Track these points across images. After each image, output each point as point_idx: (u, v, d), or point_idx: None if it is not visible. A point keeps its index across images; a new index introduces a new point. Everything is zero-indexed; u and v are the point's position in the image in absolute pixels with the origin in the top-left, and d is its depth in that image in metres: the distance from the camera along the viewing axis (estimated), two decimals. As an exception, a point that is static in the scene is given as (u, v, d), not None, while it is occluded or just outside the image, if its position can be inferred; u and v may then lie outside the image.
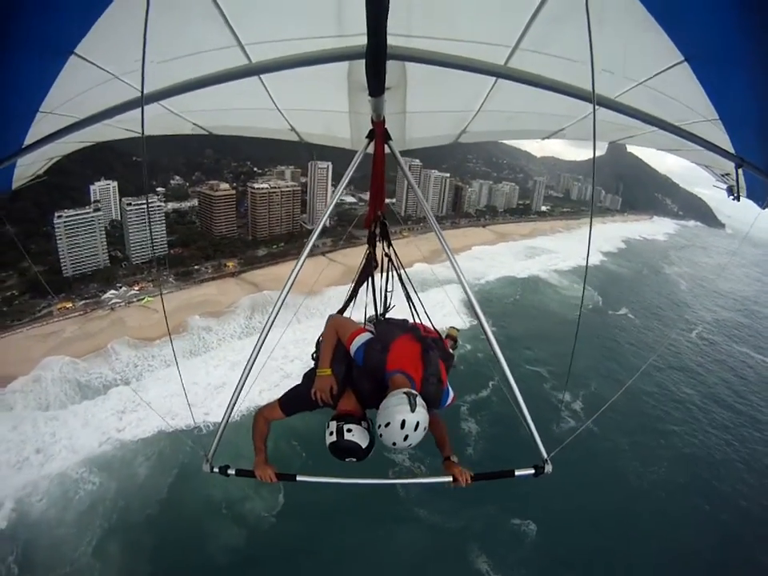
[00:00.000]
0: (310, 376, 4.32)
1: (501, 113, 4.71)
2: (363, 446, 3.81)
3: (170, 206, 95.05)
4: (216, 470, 4.23)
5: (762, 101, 2.84)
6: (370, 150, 4.08)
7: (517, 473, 4.24)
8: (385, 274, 5.75)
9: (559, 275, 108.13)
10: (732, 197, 4.82)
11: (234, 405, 4.16)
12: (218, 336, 68.50)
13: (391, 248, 5.64)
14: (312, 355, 5.10)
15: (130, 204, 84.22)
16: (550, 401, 58.53)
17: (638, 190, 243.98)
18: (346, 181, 4.22)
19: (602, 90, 3.17)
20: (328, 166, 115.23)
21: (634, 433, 56.08)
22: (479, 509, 43.56)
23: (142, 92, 2.32)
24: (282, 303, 4.05)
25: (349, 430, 3.75)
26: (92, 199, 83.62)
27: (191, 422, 46.84)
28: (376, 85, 2.64)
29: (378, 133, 3.85)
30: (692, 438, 60.12)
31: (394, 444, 3.57)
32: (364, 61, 2.37)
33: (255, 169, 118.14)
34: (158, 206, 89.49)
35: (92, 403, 53.90)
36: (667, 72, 2.89)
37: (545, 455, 4.22)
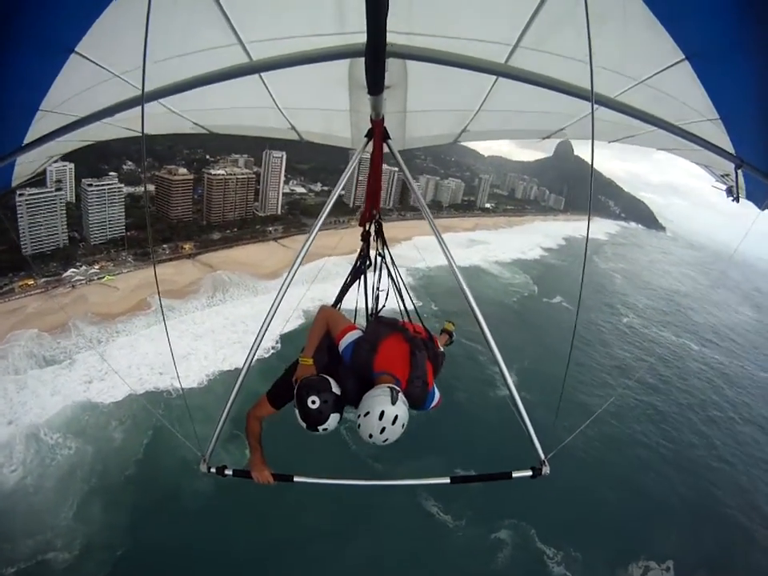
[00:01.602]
0: (292, 367, 4.45)
1: (501, 112, 4.86)
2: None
3: (125, 190, 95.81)
4: (213, 470, 4.33)
5: (762, 101, 2.93)
6: (369, 148, 4.23)
7: (514, 474, 4.36)
8: (377, 273, 5.92)
9: (500, 266, 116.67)
10: (731, 197, 5.03)
11: (231, 405, 4.27)
12: (181, 312, 71.61)
13: (385, 247, 5.83)
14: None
15: (90, 185, 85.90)
16: (485, 372, 65.38)
17: (582, 192, 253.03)
18: (346, 177, 4.55)
19: (603, 89, 3.34)
20: (282, 156, 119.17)
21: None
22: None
23: (143, 90, 2.40)
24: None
25: (313, 402, 3.76)
26: (49, 179, 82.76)
27: (160, 387, 53.40)
28: (375, 83, 2.81)
29: (377, 132, 3.95)
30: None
31: (370, 436, 3.70)
32: (364, 59, 2.53)
33: (208, 156, 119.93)
34: (119, 188, 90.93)
35: (60, 373, 56.11)
36: (668, 71, 2.97)
37: (542, 456, 4.32)
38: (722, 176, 5.19)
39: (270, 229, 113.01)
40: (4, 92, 2.81)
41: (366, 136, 4.08)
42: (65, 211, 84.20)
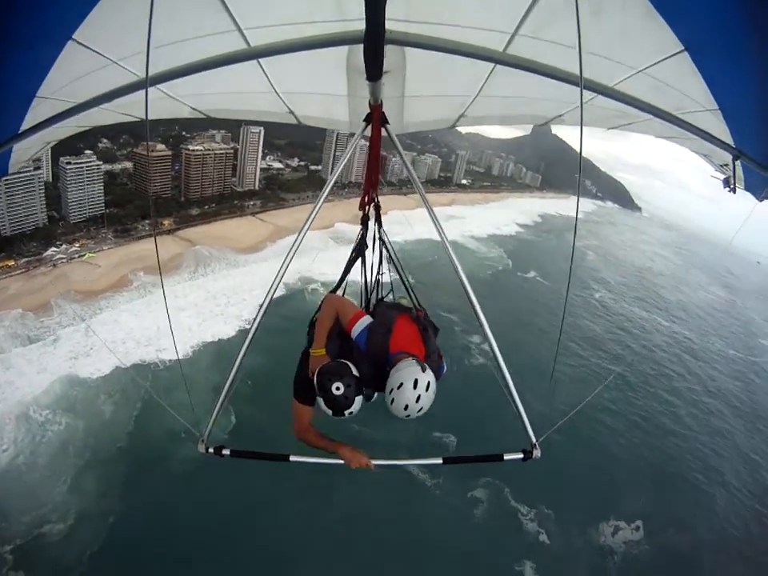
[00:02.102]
0: (304, 362, 4.48)
1: (499, 98, 4.90)
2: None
3: (102, 167, 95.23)
4: (211, 450, 4.44)
5: (761, 93, 2.91)
6: (368, 132, 4.26)
7: (506, 457, 4.49)
8: (378, 258, 6.26)
9: (476, 241, 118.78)
10: (728, 188, 4.92)
11: (230, 386, 4.43)
12: (166, 287, 74.86)
13: (382, 231, 6.18)
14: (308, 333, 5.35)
15: (69, 163, 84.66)
16: (460, 341, 70.25)
17: (558, 170, 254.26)
18: (345, 160, 4.86)
19: (601, 77, 3.42)
20: (260, 131, 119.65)
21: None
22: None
23: (147, 76, 2.49)
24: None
25: (337, 388, 3.77)
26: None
27: (146, 359, 54.31)
28: (374, 69, 2.81)
29: (375, 117, 3.95)
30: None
31: (406, 408, 3.74)
32: (363, 45, 2.53)
33: (184, 133, 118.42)
34: (97, 166, 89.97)
35: (45, 351, 56.48)
36: (667, 61, 2.98)
37: (534, 440, 4.46)
38: (721, 166, 5.24)
39: (248, 204, 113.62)
40: (1, 79, 2.85)
41: (364, 120, 4.16)
42: (43, 191, 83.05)
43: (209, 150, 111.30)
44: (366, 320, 4.37)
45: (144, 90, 2.66)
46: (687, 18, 2.52)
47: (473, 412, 53.17)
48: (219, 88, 4.84)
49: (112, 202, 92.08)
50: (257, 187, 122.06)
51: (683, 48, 2.74)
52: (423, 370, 3.76)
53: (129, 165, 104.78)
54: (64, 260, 76.48)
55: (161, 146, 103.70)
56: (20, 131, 3.81)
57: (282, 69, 4.09)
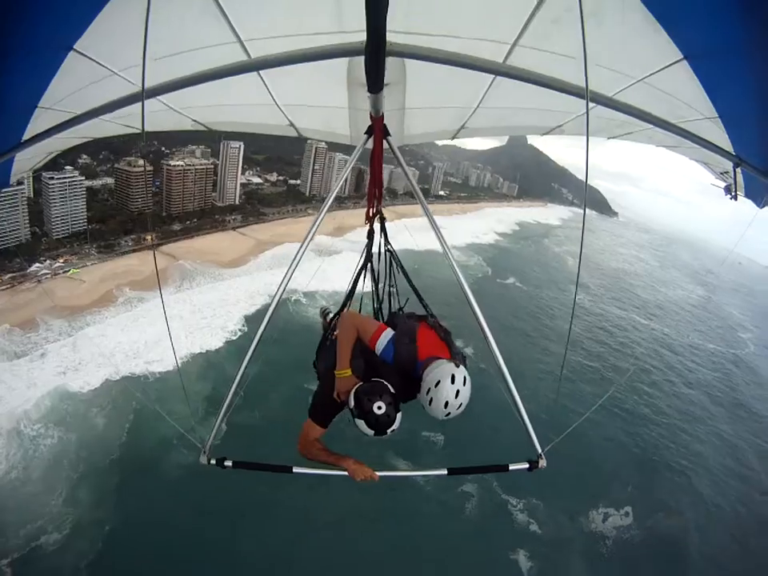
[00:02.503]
0: (325, 385, 4.40)
1: (500, 109, 5.01)
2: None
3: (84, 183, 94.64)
4: (213, 461, 4.38)
5: (760, 100, 2.93)
6: (369, 145, 4.21)
7: (511, 467, 4.45)
8: (383, 269, 6.14)
9: (455, 249, 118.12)
10: (729, 196, 4.99)
11: (232, 398, 4.40)
12: (150, 300, 71.89)
13: (389, 244, 6.02)
14: (313, 364, 5.46)
15: (52, 178, 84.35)
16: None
17: (535, 179, 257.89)
18: (347, 172, 4.83)
19: (601, 87, 3.45)
20: (240, 146, 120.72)
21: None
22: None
23: (143, 88, 2.47)
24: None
25: (379, 408, 3.77)
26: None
27: (136, 372, 54.28)
28: (375, 81, 2.84)
29: (377, 129, 3.98)
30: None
31: (446, 405, 3.77)
32: (363, 57, 2.53)
33: (164, 148, 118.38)
34: (80, 181, 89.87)
35: (33, 366, 55.67)
36: (666, 69, 3.03)
37: (539, 450, 4.43)
38: (721, 173, 5.23)
39: (229, 218, 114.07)
40: (2, 89, 2.84)
41: (365, 133, 4.15)
42: (26, 206, 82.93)
43: (189, 165, 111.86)
44: (389, 333, 4.32)
45: (146, 101, 2.69)
46: (686, 27, 2.59)
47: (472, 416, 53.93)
48: (220, 100, 4.94)
49: (94, 217, 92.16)
50: (237, 202, 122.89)
51: (682, 57, 2.82)
52: (457, 366, 3.84)
53: (110, 180, 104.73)
54: (48, 276, 76.22)
55: (141, 162, 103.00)
56: (22, 141, 3.86)
57: (282, 81, 4.18)
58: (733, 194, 4.94)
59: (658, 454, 62.94)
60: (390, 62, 2.69)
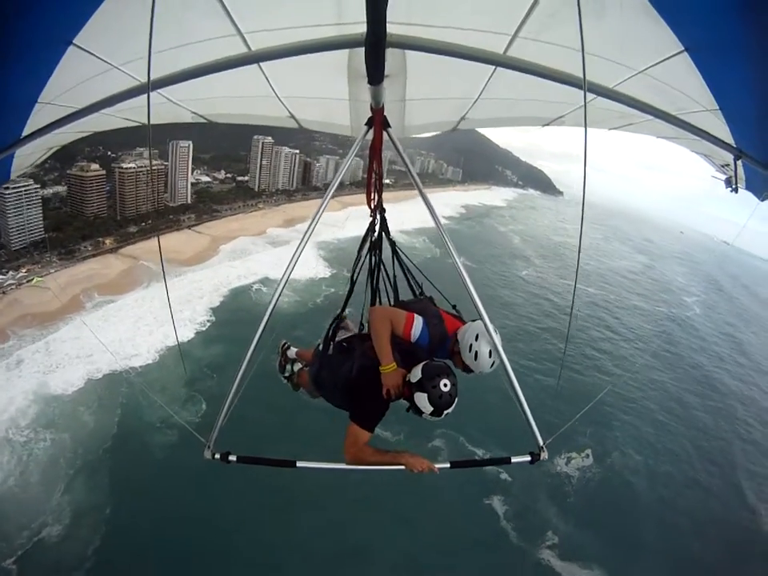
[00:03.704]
0: (369, 387, 4.38)
1: (500, 100, 4.97)
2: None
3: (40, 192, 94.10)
4: (217, 456, 4.47)
5: (761, 93, 2.99)
6: (369, 136, 4.29)
7: (513, 459, 4.74)
8: (378, 262, 6.19)
9: (403, 234, 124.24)
10: (730, 188, 5.10)
11: (235, 393, 4.46)
12: (118, 302, 74.84)
13: (388, 237, 6.12)
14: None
15: (7, 188, 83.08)
16: None
17: (479, 163, 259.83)
18: (348, 164, 4.70)
19: (601, 78, 3.46)
20: (189, 145, 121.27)
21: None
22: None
23: (149, 81, 2.52)
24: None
25: (445, 385, 3.98)
26: (-47, 186, 77.25)
27: (117, 369, 56.34)
28: (375, 73, 2.85)
29: (377, 120, 4.04)
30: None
31: (490, 354, 4.25)
32: (363, 49, 2.55)
33: (110, 153, 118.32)
34: (35, 190, 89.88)
35: (11, 375, 56.67)
36: (667, 61, 3.04)
37: (541, 442, 4.66)
38: (722, 166, 5.24)
39: (183, 218, 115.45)
40: (2, 84, 2.87)
41: (366, 124, 4.20)
42: None
43: (141, 166, 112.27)
44: (420, 319, 4.58)
45: (146, 95, 2.77)
46: (687, 19, 2.60)
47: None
48: (221, 92, 5.00)
49: (50, 226, 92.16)
50: (189, 201, 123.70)
51: (683, 48, 2.82)
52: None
53: (60, 189, 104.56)
54: (13, 286, 76.41)
55: (94, 166, 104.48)
56: (22, 136, 3.88)
57: (282, 73, 4.17)
58: (733, 186, 5.05)
59: (608, 403, 69.05)
60: (391, 54, 2.71)
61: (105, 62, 3.32)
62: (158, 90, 4.05)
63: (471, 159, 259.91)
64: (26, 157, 5.72)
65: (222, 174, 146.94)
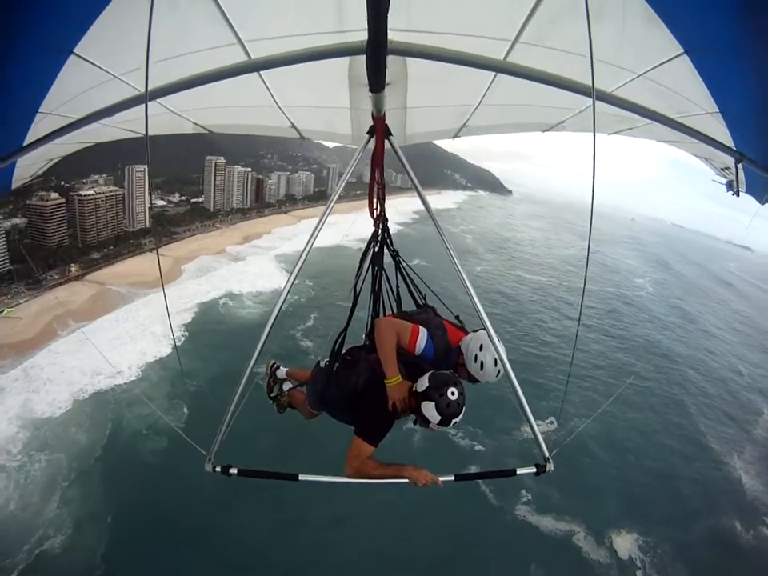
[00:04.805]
0: (373, 403, 4.37)
1: (501, 106, 5.01)
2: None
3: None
4: (218, 469, 4.45)
5: (761, 97, 2.98)
6: (371, 145, 4.32)
7: (518, 471, 4.68)
8: (395, 271, 6.17)
9: (359, 242, 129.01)
10: (731, 191, 5.14)
11: (235, 407, 4.46)
12: (92, 325, 76.33)
13: (388, 247, 6.09)
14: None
15: None
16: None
17: (428, 168, 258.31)
18: (347, 177, 4.67)
19: (601, 82, 3.36)
20: (144, 169, 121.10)
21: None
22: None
23: (146, 90, 2.51)
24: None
25: (452, 393, 4.00)
26: None
27: (102, 387, 58.45)
28: (376, 80, 2.86)
29: (379, 128, 4.05)
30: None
31: (496, 363, 4.34)
32: (364, 56, 2.55)
33: (63, 183, 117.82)
34: None
35: None
36: (667, 64, 3.05)
37: (546, 454, 4.61)
38: (722, 169, 5.24)
39: (144, 241, 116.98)
40: (3, 94, 2.86)
41: (367, 133, 4.20)
42: None
43: (100, 193, 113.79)
44: (424, 331, 4.64)
45: (144, 105, 2.73)
46: (687, 22, 2.61)
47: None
48: (221, 102, 5.01)
49: (14, 258, 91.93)
50: (147, 225, 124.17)
51: (683, 51, 2.83)
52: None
53: (18, 221, 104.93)
54: None
55: (54, 195, 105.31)
56: (23, 146, 3.89)
57: (283, 82, 4.19)
58: (734, 190, 5.10)
59: (563, 373, 76.16)
60: (392, 61, 2.73)
61: (105, 71, 3.36)
62: (158, 100, 4.13)
63: (420, 165, 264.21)
64: (26, 168, 5.77)
65: (176, 197, 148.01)
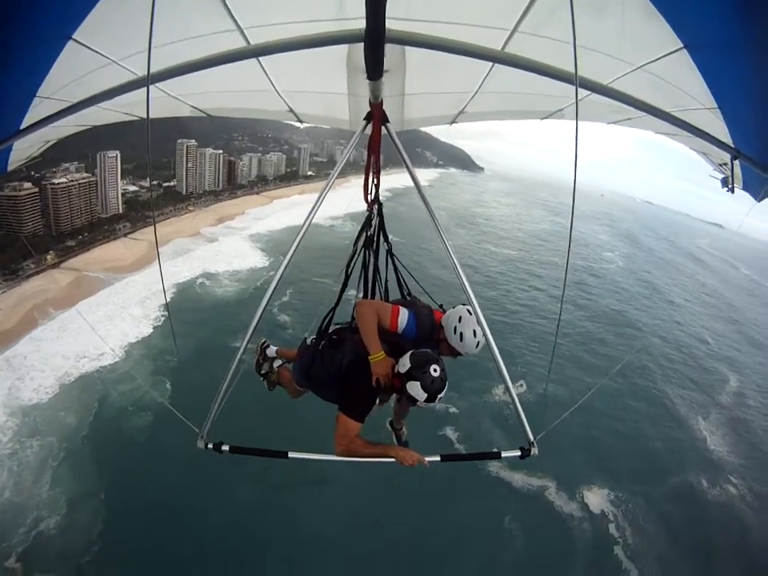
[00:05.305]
0: (358, 378, 4.56)
1: (499, 94, 5.06)
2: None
3: None
4: (210, 446, 4.59)
5: (760, 93, 2.99)
6: (368, 131, 4.49)
7: (503, 454, 4.78)
8: (382, 257, 6.28)
9: (333, 220, 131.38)
10: (727, 188, 5.10)
11: (228, 384, 4.59)
12: (71, 311, 76.36)
13: (382, 231, 6.19)
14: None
15: None
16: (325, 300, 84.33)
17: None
18: (344, 160, 4.88)
19: (599, 73, 3.49)
20: (117, 155, 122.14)
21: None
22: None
23: (148, 74, 2.57)
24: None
25: (435, 370, 4.21)
26: None
27: (88, 370, 59.54)
28: (374, 68, 2.92)
29: (376, 115, 4.17)
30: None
31: (475, 334, 4.58)
32: (363, 44, 2.60)
33: (33, 173, 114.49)
34: None
35: None
36: (666, 58, 3.07)
37: (531, 437, 4.72)
38: (719, 165, 5.27)
39: (118, 227, 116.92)
40: (1, 78, 2.87)
41: (364, 119, 4.37)
42: None
43: (73, 180, 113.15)
44: (406, 311, 4.84)
45: (144, 88, 2.78)
46: (686, 16, 2.62)
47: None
48: (219, 87, 5.10)
49: None
50: (121, 210, 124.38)
51: (682, 45, 2.85)
52: (464, 305, 4.75)
53: None
54: None
55: (27, 184, 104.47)
56: (20, 129, 3.90)
57: (282, 67, 4.25)
58: (730, 186, 5.05)
59: (533, 339, 79.88)
60: (390, 49, 2.74)
61: (104, 56, 3.38)
62: (157, 84, 4.14)
63: (389, 144, 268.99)
64: (24, 150, 5.80)
65: (147, 182, 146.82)
